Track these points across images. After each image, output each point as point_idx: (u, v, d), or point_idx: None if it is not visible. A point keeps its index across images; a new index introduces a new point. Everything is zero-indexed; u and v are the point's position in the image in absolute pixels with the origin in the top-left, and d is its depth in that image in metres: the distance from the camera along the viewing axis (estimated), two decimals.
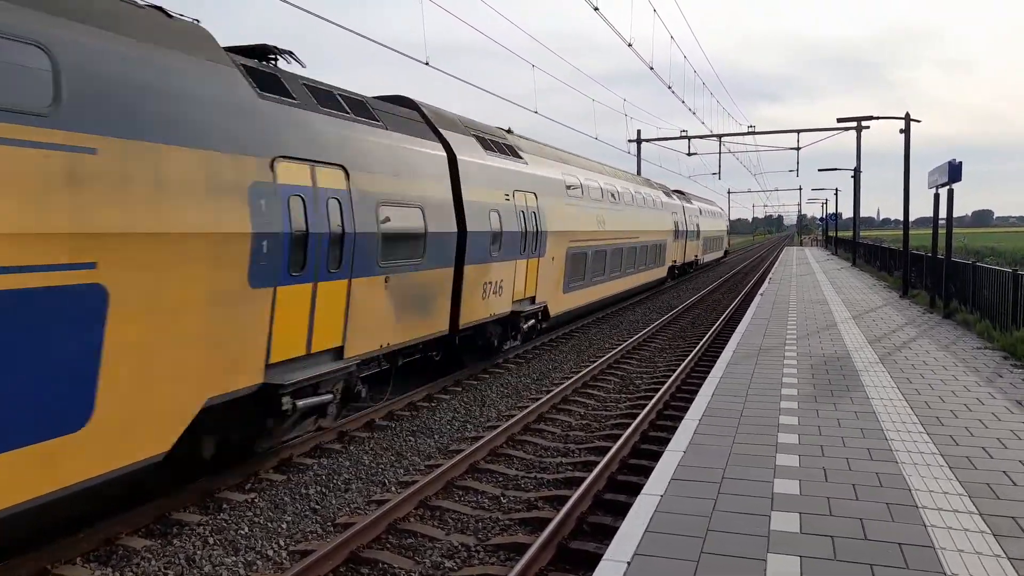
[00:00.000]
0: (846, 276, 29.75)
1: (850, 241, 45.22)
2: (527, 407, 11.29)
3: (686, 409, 9.77)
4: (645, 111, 53.84)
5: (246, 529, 6.87)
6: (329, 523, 7.09)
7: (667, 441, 8.94)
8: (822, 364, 10.74)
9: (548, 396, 11.51)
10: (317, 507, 7.45)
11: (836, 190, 58.19)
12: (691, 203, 40.08)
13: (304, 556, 6.28)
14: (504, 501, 7.67)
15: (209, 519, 7.03)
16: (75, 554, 6.19)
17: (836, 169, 44.22)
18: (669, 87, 30.92)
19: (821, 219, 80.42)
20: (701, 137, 46.86)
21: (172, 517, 7.04)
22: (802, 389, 9.13)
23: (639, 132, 49.03)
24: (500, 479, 8.35)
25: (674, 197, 35.06)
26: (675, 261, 33.76)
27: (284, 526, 6.99)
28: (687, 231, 36.46)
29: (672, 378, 12.61)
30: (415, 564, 6.20)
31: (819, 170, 44.95)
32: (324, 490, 7.90)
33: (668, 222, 30.73)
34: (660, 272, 30.18)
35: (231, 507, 7.35)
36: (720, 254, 56.72)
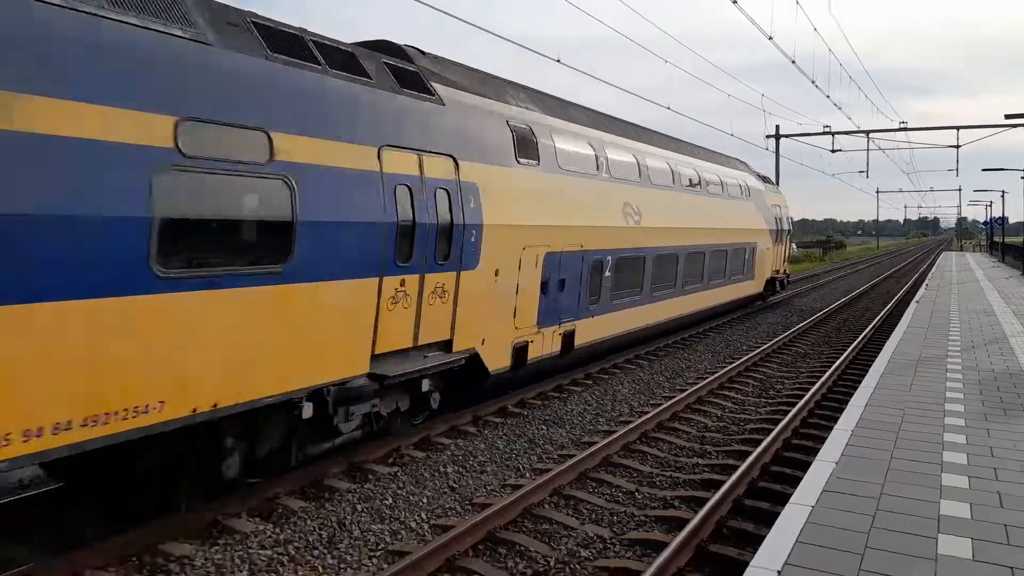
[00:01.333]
0: (1015, 285, 27.02)
1: (1019, 247, 41.03)
2: (660, 404, 11.10)
3: (833, 419, 9.25)
4: (784, 106, 50.97)
5: (390, 500, 7.21)
6: (467, 502, 7.30)
7: (813, 451, 8.50)
8: (991, 379, 9.82)
9: (683, 395, 11.26)
10: (455, 486, 7.70)
11: (1003, 192, 53.17)
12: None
13: (445, 531, 6.51)
14: (639, 497, 7.59)
15: (357, 487, 7.44)
16: (242, 509, 6.73)
17: (1003, 169, 40.34)
18: (812, 81, 29.29)
19: (984, 223, 73.56)
20: (847, 133, 43.79)
21: (324, 483, 7.51)
22: (969, 406, 8.39)
23: (777, 127, 46.44)
24: (634, 475, 8.27)
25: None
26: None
27: (425, 500, 7.27)
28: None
29: (817, 385, 11.98)
30: (551, 550, 6.27)
31: (983, 170, 41.18)
32: (461, 470, 8.14)
33: None
34: None
35: (376, 478, 7.74)
36: (748, 292, 21.72)
